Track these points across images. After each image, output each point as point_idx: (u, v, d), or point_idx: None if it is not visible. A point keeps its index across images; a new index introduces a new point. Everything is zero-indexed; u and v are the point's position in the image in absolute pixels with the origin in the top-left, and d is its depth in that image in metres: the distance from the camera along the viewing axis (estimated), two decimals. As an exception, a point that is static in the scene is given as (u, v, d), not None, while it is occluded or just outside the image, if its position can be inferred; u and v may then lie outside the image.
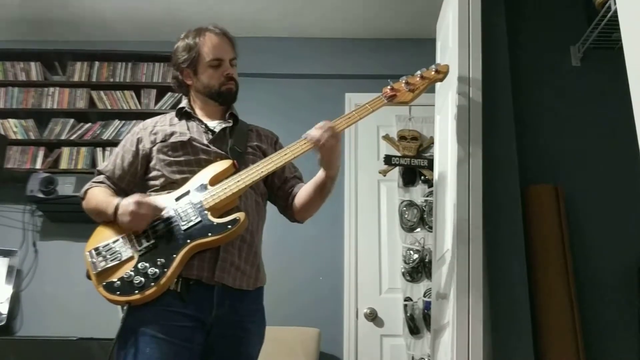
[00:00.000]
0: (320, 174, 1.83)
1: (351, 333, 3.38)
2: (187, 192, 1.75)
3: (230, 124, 1.94)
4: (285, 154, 1.79)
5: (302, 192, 1.90)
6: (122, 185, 1.88)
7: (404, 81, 1.93)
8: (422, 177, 3.50)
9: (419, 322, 3.24)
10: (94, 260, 1.69)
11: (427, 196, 3.41)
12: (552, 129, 2.95)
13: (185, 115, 1.94)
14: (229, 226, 1.67)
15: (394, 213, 3.51)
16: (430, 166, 3.39)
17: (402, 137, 3.59)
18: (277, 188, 1.97)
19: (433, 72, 1.97)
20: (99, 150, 3.66)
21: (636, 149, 1.31)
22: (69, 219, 3.45)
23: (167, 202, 1.74)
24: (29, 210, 3.65)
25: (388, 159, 3.53)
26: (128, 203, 1.68)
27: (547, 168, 2.86)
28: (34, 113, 3.75)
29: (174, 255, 1.64)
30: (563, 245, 2.62)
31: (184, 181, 1.78)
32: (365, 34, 3.85)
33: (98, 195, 1.83)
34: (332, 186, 1.85)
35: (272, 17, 3.72)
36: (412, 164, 3.51)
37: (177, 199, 1.74)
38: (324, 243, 3.53)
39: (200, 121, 1.92)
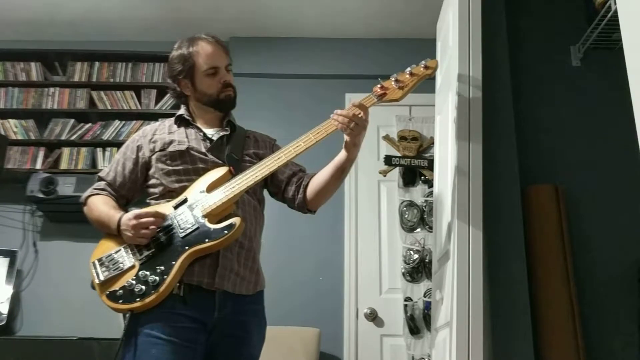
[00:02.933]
0: (341, 157, 1.86)
1: (351, 333, 3.38)
2: (185, 200, 1.78)
3: (228, 132, 1.95)
4: (279, 158, 1.80)
5: (317, 180, 1.92)
6: (122, 192, 1.91)
7: (393, 79, 1.93)
8: (422, 178, 3.50)
9: (419, 322, 3.24)
10: (98, 270, 1.73)
11: (427, 196, 3.41)
12: (552, 129, 2.95)
13: (183, 122, 1.96)
14: (225, 231, 1.69)
15: (394, 213, 3.51)
16: (430, 166, 3.39)
17: (402, 138, 3.59)
18: (285, 184, 1.98)
19: (422, 68, 1.95)
20: (99, 150, 3.66)
21: (636, 149, 1.31)
22: (69, 219, 3.45)
23: (164, 211, 1.77)
24: (29, 210, 3.66)
25: (388, 159, 3.53)
26: (128, 219, 1.71)
27: (547, 168, 2.86)
28: (34, 113, 3.76)
29: (173, 263, 1.67)
30: (563, 245, 2.62)
31: (182, 190, 1.81)
32: (365, 34, 3.85)
33: (100, 207, 1.85)
34: (350, 169, 1.89)
35: (271, 17, 3.72)
36: (412, 164, 3.51)
37: (176, 207, 1.77)
38: (324, 243, 3.53)
39: (199, 129, 1.94)
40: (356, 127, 1.76)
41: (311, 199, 1.94)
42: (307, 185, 1.94)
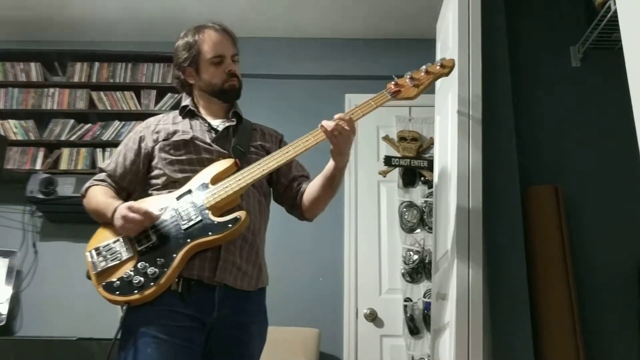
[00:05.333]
0: (330, 165, 1.81)
1: (351, 333, 3.38)
2: (189, 191, 1.73)
3: (234, 123, 1.92)
4: (288, 152, 1.76)
5: (311, 188, 1.88)
6: (123, 184, 1.87)
7: (408, 76, 1.89)
8: (422, 178, 3.50)
9: (418, 322, 3.24)
10: (94, 260, 1.68)
11: (427, 197, 3.41)
12: (552, 129, 2.95)
13: (188, 113, 1.92)
14: (230, 225, 1.65)
15: (394, 214, 3.51)
16: (430, 167, 3.39)
17: (402, 138, 3.59)
18: (284, 187, 1.94)
19: (438, 67, 1.92)
20: (98, 151, 3.66)
21: (636, 149, 1.31)
22: (69, 219, 3.46)
23: (167, 202, 1.73)
24: (28, 211, 3.65)
25: (388, 160, 3.53)
26: (122, 208, 1.67)
27: (547, 168, 2.86)
28: (34, 114, 3.75)
29: (174, 255, 1.63)
30: (563, 245, 2.62)
31: (185, 180, 1.77)
32: (365, 34, 3.86)
33: (98, 196, 1.81)
34: (341, 179, 1.83)
35: (271, 17, 3.72)
36: (412, 164, 3.51)
37: (178, 198, 1.73)
38: (324, 244, 3.53)
39: (204, 120, 1.91)
40: (339, 135, 1.70)
41: (306, 208, 1.91)
42: (303, 193, 1.91)
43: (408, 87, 1.88)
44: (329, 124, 1.70)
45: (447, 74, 1.97)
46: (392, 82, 1.89)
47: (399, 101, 1.92)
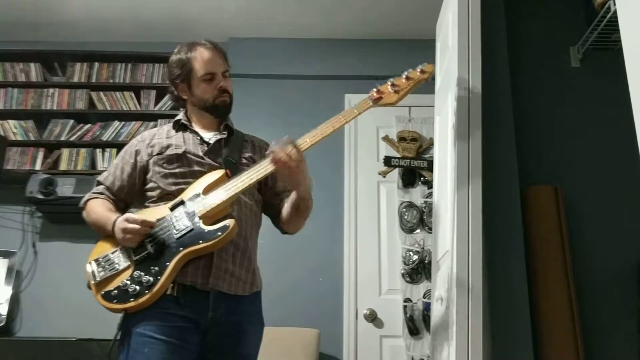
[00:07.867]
0: (293, 194, 1.85)
1: (351, 334, 3.38)
2: (182, 202, 1.79)
3: (225, 136, 1.97)
4: None
5: (284, 209, 1.93)
6: (121, 195, 1.93)
7: (390, 83, 1.95)
8: (422, 179, 3.50)
9: (418, 323, 3.24)
10: (94, 270, 1.75)
11: (427, 197, 3.41)
12: (552, 129, 2.95)
13: (181, 127, 1.98)
14: (219, 233, 1.71)
15: (393, 214, 3.51)
16: (430, 167, 3.39)
17: (401, 138, 3.59)
18: (268, 203, 2.00)
19: (418, 73, 1.97)
20: (98, 151, 3.66)
21: (636, 149, 1.31)
22: (69, 220, 3.45)
23: (162, 213, 1.79)
24: (28, 211, 3.66)
25: (388, 160, 3.53)
26: (120, 221, 1.74)
27: (547, 168, 2.86)
28: (34, 114, 3.76)
29: (167, 263, 1.69)
30: (563, 245, 2.62)
31: (179, 192, 1.83)
32: (364, 34, 3.86)
33: (97, 209, 1.87)
34: (307, 204, 1.86)
35: (271, 17, 3.72)
36: (412, 165, 3.51)
37: (172, 209, 1.79)
38: (323, 244, 3.53)
39: (196, 133, 1.96)
40: (286, 167, 1.72)
41: (284, 226, 1.96)
42: (281, 210, 1.95)
43: (389, 94, 1.93)
44: (278, 155, 1.71)
45: (427, 80, 2.01)
46: (375, 89, 1.93)
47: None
